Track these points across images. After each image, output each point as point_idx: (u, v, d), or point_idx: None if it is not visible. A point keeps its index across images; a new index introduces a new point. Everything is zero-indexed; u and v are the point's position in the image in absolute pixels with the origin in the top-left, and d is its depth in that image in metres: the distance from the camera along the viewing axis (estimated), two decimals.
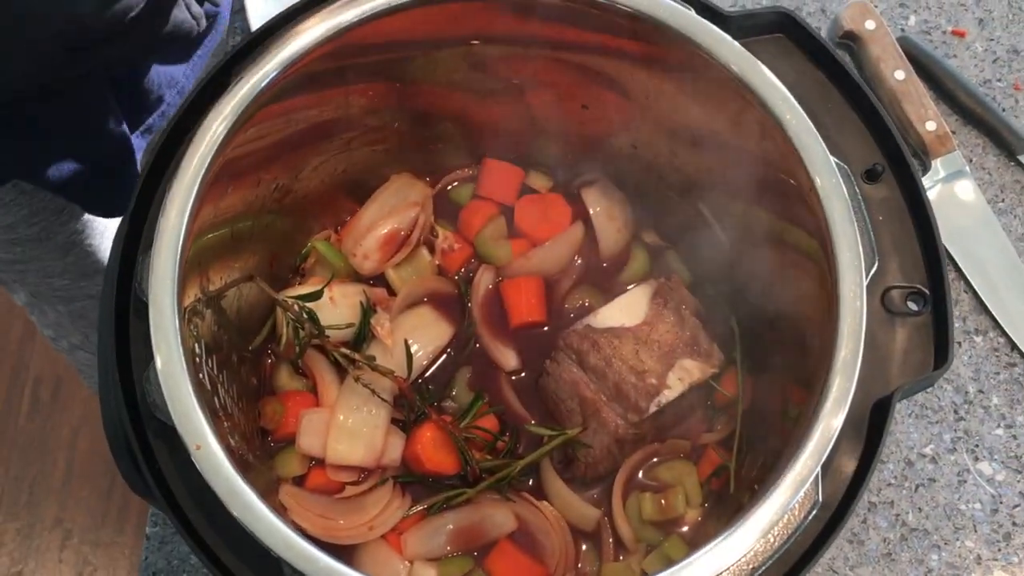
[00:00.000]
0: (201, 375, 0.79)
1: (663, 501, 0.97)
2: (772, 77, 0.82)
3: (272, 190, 0.97)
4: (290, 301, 0.94)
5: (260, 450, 0.97)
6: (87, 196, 1.20)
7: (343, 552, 0.94)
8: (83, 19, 0.95)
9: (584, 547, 0.98)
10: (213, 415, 0.77)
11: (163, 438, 0.78)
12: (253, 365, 1.00)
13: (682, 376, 0.97)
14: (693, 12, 0.84)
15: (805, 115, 0.80)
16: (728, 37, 0.83)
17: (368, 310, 1.01)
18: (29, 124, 1.09)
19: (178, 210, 0.78)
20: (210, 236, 0.86)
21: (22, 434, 2.35)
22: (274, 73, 0.83)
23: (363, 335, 1.00)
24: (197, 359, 0.79)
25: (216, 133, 0.81)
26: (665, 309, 1.00)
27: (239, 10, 1.31)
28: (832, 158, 0.79)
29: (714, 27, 0.83)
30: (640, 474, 1.00)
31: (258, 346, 0.98)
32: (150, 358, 0.76)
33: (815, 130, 0.79)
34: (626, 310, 1.01)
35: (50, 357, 2.40)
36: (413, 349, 1.01)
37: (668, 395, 0.96)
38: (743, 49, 0.82)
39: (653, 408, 0.95)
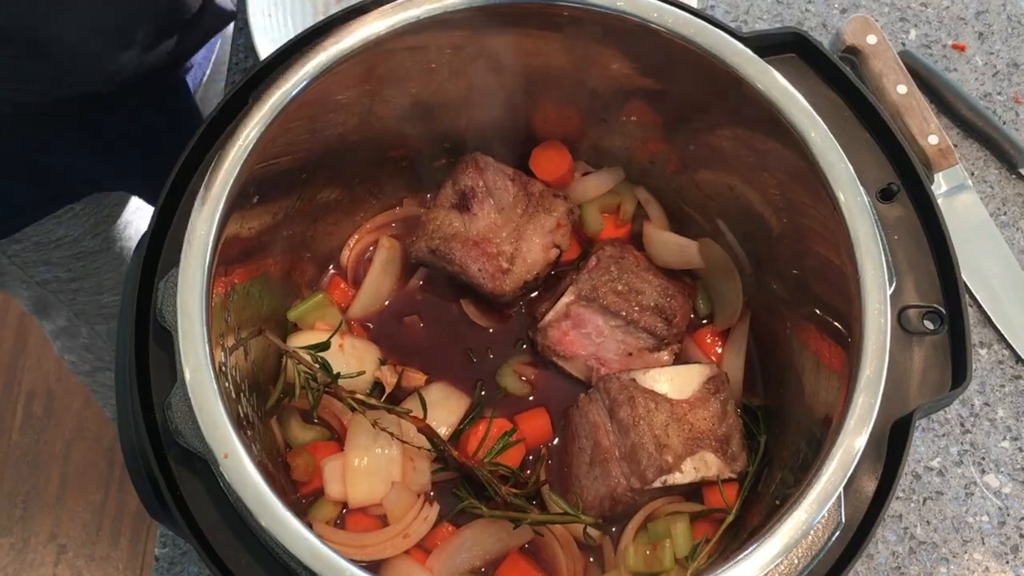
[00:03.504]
0: (227, 384, 0.78)
1: (648, 553, 0.96)
2: (798, 95, 0.82)
3: (295, 199, 0.98)
4: (300, 352, 0.94)
5: (283, 469, 0.97)
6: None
7: (370, 568, 0.94)
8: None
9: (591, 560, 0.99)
10: (239, 426, 0.76)
11: (184, 464, 0.77)
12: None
13: (699, 467, 0.95)
14: (720, 31, 0.84)
15: (829, 133, 0.80)
16: (755, 56, 0.83)
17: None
18: (94, 135, 1.14)
19: (206, 221, 0.78)
20: (235, 241, 0.86)
21: (15, 449, 2.34)
22: (295, 91, 0.84)
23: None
24: (223, 368, 0.79)
25: (243, 145, 0.81)
26: (713, 398, 0.98)
27: (242, 27, 1.31)
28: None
29: (742, 46, 0.84)
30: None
31: (273, 403, 0.98)
32: (171, 385, 0.75)
33: (839, 148, 0.80)
34: (676, 382, 0.99)
35: (42, 371, 2.38)
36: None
37: (677, 478, 0.94)
38: (768, 67, 0.83)
39: (657, 484, 0.94)
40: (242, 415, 0.84)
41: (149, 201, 1.35)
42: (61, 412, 2.36)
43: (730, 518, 0.95)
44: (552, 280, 1.09)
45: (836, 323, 0.85)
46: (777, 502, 0.81)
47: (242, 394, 0.87)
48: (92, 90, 1.07)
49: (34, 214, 1.22)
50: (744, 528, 0.94)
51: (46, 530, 2.26)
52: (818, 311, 0.91)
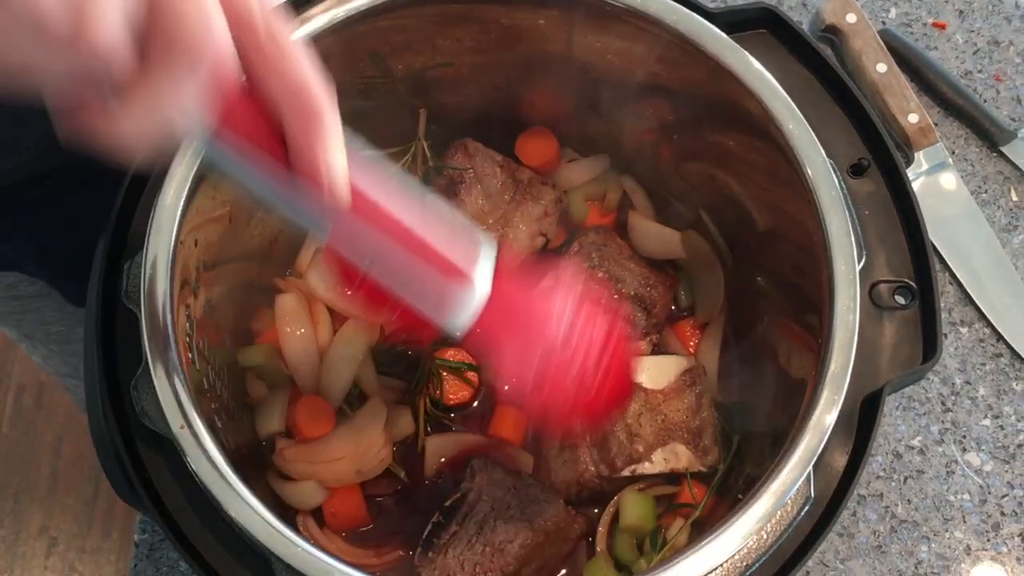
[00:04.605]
0: (203, 377, 0.78)
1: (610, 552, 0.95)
2: (760, 68, 0.82)
3: None
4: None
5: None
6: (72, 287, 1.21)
7: None
8: None
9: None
10: (210, 420, 0.76)
11: (152, 447, 0.77)
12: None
13: (668, 458, 0.94)
14: (682, 7, 0.84)
15: (793, 104, 0.80)
16: (717, 30, 0.83)
17: None
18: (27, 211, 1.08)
19: (175, 191, 0.78)
20: (207, 218, 0.86)
21: (5, 441, 2.34)
22: None
23: None
24: (192, 357, 0.79)
25: None
26: (688, 389, 0.98)
27: None
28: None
29: (704, 20, 0.84)
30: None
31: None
32: (138, 366, 0.75)
33: (803, 119, 0.79)
34: (652, 371, 0.98)
35: (33, 364, 2.36)
36: None
37: (647, 468, 0.93)
38: (732, 41, 0.82)
39: (626, 473, 0.93)
40: (215, 407, 0.84)
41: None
42: (52, 405, 2.36)
43: (696, 512, 0.95)
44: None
45: (812, 317, 0.85)
46: (740, 496, 0.81)
47: (218, 379, 0.87)
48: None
49: None
50: (710, 524, 0.93)
51: (37, 522, 2.26)
52: (797, 307, 0.90)
